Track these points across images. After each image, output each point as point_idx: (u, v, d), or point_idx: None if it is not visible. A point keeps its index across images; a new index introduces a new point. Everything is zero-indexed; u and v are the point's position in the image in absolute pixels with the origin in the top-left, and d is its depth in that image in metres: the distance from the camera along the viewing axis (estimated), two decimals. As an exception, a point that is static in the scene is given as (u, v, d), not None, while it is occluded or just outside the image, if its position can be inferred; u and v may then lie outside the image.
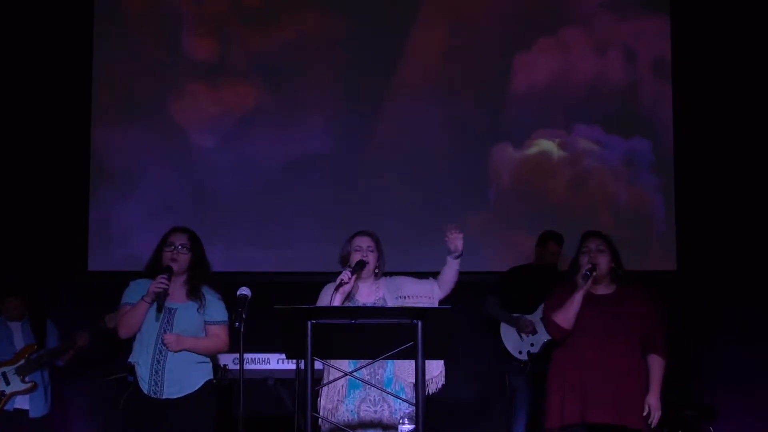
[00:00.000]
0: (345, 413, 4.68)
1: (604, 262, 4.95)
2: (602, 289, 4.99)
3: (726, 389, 7.20)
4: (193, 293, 4.91)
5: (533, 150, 7.72)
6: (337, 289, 4.67)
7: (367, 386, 4.65)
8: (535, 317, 6.85)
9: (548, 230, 7.11)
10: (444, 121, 7.71)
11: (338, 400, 4.69)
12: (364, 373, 4.63)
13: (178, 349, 4.81)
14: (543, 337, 6.80)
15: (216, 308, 4.95)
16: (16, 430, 6.62)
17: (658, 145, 7.69)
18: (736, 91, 7.61)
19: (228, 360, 6.28)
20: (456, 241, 4.74)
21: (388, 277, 4.92)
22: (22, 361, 6.60)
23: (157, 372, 4.80)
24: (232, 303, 4.67)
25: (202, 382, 4.88)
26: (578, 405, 4.83)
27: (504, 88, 7.74)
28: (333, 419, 4.66)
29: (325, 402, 4.72)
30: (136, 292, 4.89)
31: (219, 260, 7.44)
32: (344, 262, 4.92)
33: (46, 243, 7.46)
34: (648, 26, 7.76)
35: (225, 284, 5.07)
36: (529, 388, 6.84)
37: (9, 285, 6.74)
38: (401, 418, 4.24)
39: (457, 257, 4.76)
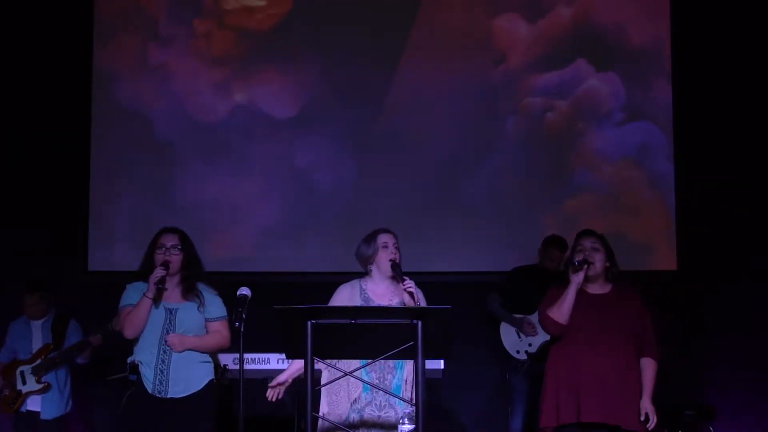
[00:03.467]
0: (351, 414, 4.68)
1: (599, 260, 4.95)
2: (597, 289, 5.00)
3: (726, 389, 7.20)
4: (190, 292, 4.96)
5: (535, 151, 7.72)
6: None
7: (374, 390, 4.66)
8: (536, 318, 6.85)
9: (552, 234, 7.11)
10: (445, 122, 7.70)
11: (348, 401, 4.69)
12: (373, 377, 4.66)
13: (182, 350, 4.87)
14: (542, 337, 6.80)
15: (215, 305, 5.00)
16: (30, 432, 6.66)
17: (659, 145, 7.69)
18: (736, 90, 7.61)
19: (228, 360, 6.28)
20: None
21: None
22: (39, 361, 6.60)
23: (162, 372, 4.85)
24: (232, 303, 4.68)
25: (205, 382, 4.94)
26: (573, 405, 4.84)
27: (513, 90, 7.76)
28: (335, 419, 4.66)
29: (328, 401, 4.72)
30: (134, 293, 4.93)
31: (219, 260, 7.52)
32: (368, 261, 4.88)
33: (47, 243, 7.46)
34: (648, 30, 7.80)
35: (225, 284, 5.07)
36: (527, 388, 6.85)
37: (27, 282, 6.74)
38: (401, 418, 4.24)
39: None
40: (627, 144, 7.70)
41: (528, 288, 6.91)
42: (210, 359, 5.00)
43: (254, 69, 7.75)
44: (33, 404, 6.59)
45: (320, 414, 4.69)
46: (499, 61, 7.72)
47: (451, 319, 4.10)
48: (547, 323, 4.98)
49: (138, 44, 7.75)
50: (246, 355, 5.65)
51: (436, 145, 7.67)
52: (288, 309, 4.05)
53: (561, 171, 7.68)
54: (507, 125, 7.72)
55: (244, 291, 4.66)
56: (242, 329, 4.50)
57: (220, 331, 4.98)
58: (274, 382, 4.75)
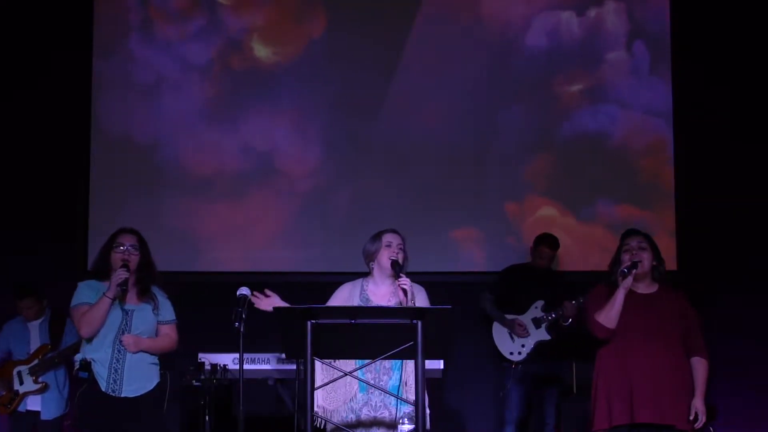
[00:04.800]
0: (347, 413, 4.68)
1: (646, 259, 4.94)
2: (644, 288, 4.98)
3: (726, 389, 7.19)
4: (145, 294, 5.00)
5: (535, 150, 7.72)
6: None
7: (370, 391, 4.67)
8: (527, 317, 6.85)
9: (543, 233, 7.12)
10: (444, 121, 7.70)
11: (344, 401, 4.69)
12: (368, 378, 4.66)
13: (136, 351, 4.91)
14: (534, 338, 6.80)
15: (167, 308, 5.08)
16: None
17: (658, 145, 7.69)
18: (736, 91, 7.61)
19: (228, 360, 6.28)
20: None
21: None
22: (36, 361, 6.59)
23: (116, 371, 4.88)
24: (232, 303, 4.67)
25: (155, 383, 5.00)
26: (626, 406, 4.81)
27: (504, 93, 7.75)
28: (329, 416, 4.66)
29: (324, 402, 4.71)
30: (88, 291, 4.95)
31: (220, 260, 7.53)
32: (371, 258, 4.87)
33: (47, 243, 7.46)
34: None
35: (225, 284, 5.07)
36: (520, 390, 6.83)
37: (21, 286, 6.73)
38: (401, 418, 4.24)
39: None
40: (628, 145, 7.70)
41: (520, 287, 6.92)
42: (158, 362, 5.06)
43: (251, 88, 7.77)
44: (33, 404, 6.59)
45: (318, 405, 4.69)
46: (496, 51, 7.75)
47: (451, 319, 4.10)
48: (595, 328, 4.92)
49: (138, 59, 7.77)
50: (246, 355, 5.66)
51: (436, 144, 7.67)
52: (288, 309, 4.05)
53: (562, 172, 7.68)
54: (505, 122, 7.71)
55: (244, 291, 4.67)
56: (242, 329, 4.50)
57: (169, 334, 5.06)
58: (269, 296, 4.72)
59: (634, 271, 4.86)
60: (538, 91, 7.73)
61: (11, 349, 6.69)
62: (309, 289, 6.99)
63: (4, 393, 6.59)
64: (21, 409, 6.59)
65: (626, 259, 4.93)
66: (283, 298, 4.72)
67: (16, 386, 6.57)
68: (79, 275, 7.46)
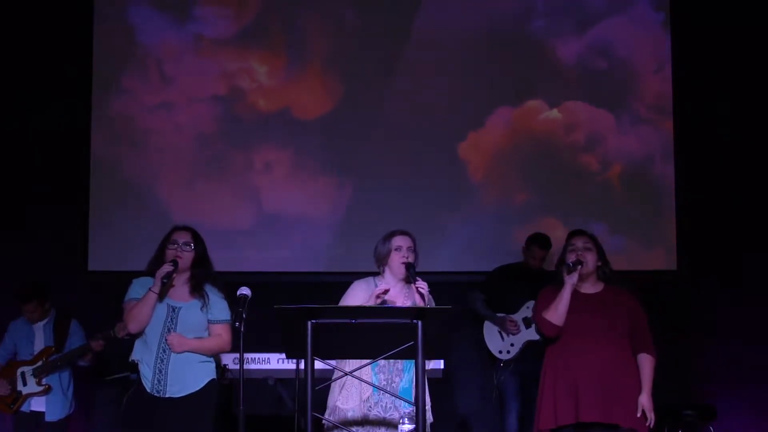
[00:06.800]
0: (359, 413, 4.69)
1: (591, 259, 4.99)
2: (589, 288, 5.04)
3: (726, 389, 7.20)
4: (196, 291, 4.94)
5: (529, 151, 7.72)
6: (379, 296, 4.64)
7: (381, 392, 4.68)
8: (518, 317, 6.84)
9: (535, 233, 7.10)
10: (444, 120, 7.70)
11: (360, 398, 4.69)
12: (381, 379, 4.66)
13: (181, 351, 4.85)
14: (524, 337, 6.78)
15: (219, 307, 4.98)
16: (33, 432, 6.64)
17: (658, 146, 7.69)
18: (737, 96, 7.60)
19: (228, 360, 6.29)
20: None
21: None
22: (40, 363, 6.59)
23: (160, 371, 4.84)
24: (232, 303, 4.68)
25: (205, 382, 4.92)
26: (571, 405, 4.84)
27: (496, 91, 7.76)
28: (344, 414, 4.68)
29: (339, 402, 4.71)
30: (139, 288, 4.93)
31: (218, 260, 7.51)
32: (382, 261, 4.87)
33: (46, 243, 7.46)
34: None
35: (225, 284, 5.07)
36: (517, 386, 6.82)
37: (25, 288, 6.70)
38: (401, 417, 4.23)
39: None
40: (629, 145, 7.70)
41: (511, 287, 6.90)
42: (211, 359, 4.99)
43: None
44: (37, 405, 6.59)
45: (332, 406, 4.71)
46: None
47: (451, 319, 4.10)
48: (543, 325, 4.98)
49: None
50: (246, 355, 5.66)
51: (437, 145, 7.67)
52: (288, 309, 4.05)
53: (561, 173, 7.67)
54: (503, 122, 7.71)
55: (244, 291, 4.66)
56: (242, 329, 4.50)
57: (221, 335, 4.97)
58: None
59: (579, 267, 4.91)
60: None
61: (17, 349, 6.69)
62: (310, 289, 7.03)
63: (6, 393, 6.58)
64: (25, 409, 6.58)
65: (571, 258, 4.98)
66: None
67: (19, 387, 6.57)
68: (79, 275, 7.52)
